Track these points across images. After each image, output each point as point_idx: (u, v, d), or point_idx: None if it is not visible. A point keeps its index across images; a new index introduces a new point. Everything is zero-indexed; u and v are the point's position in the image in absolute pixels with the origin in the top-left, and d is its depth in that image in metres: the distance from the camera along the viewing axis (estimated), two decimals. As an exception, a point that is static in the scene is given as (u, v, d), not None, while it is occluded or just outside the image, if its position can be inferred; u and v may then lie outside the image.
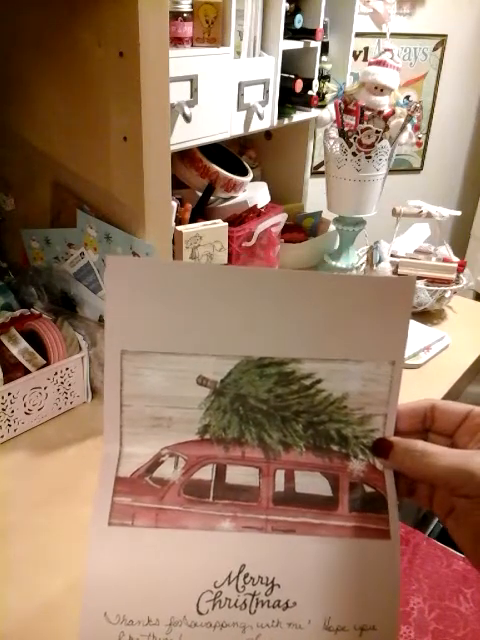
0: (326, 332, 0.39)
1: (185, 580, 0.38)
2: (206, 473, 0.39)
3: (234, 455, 0.40)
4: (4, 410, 0.84)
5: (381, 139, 1.32)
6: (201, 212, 1.29)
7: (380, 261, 1.40)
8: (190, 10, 1.04)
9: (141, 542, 0.38)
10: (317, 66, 1.38)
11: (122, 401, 0.39)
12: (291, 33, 1.29)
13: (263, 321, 0.39)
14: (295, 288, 0.38)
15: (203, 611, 0.38)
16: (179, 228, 1.13)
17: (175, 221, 1.17)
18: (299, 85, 1.32)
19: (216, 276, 0.38)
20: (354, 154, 1.33)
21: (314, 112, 1.40)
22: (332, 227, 1.56)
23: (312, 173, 1.64)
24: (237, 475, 0.39)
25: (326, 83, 1.47)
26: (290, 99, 1.35)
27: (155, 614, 0.38)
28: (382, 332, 0.39)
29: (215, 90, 1.11)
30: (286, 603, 0.38)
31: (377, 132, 1.31)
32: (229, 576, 0.38)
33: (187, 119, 1.05)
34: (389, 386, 0.40)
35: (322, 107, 1.40)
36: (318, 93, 1.39)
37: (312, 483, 0.40)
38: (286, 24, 1.23)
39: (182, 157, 1.25)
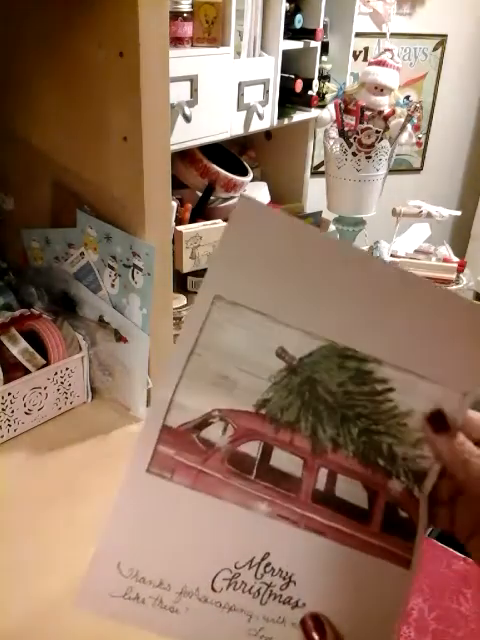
0: (416, 343, 0.37)
1: (208, 552, 0.37)
2: (253, 449, 0.38)
3: (282, 439, 0.38)
4: (4, 410, 0.84)
5: (381, 139, 1.32)
6: (201, 212, 1.29)
7: (380, 261, 1.40)
8: (190, 10, 1.04)
9: (175, 499, 0.37)
10: (317, 66, 1.38)
11: (194, 348, 0.37)
12: (291, 33, 1.29)
13: (360, 312, 0.37)
14: (405, 290, 0.37)
15: (217, 588, 0.37)
16: (179, 228, 1.14)
17: (175, 221, 1.17)
18: (299, 85, 1.32)
19: (337, 252, 0.36)
20: (354, 154, 1.33)
21: (314, 112, 1.40)
22: (332, 227, 1.56)
23: (312, 173, 1.64)
24: (282, 460, 0.38)
25: (326, 83, 1.47)
26: (290, 99, 1.35)
27: (169, 578, 0.37)
28: (466, 360, 0.38)
29: (215, 90, 1.11)
30: (296, 602, 0.38)
31: (377, 132, 1.31)
32: (251, 561, 0.37)
33: (187, 119, 1.05)
34: (454, 414, 0.38)
35: (322, 107, 1.40)
36: (318, 93, 1.39)
37: (352, 491, 0.39)
38: (286, 24, 1.23)
39: (182, 157, 1.25)
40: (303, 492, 0.38)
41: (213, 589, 0.37)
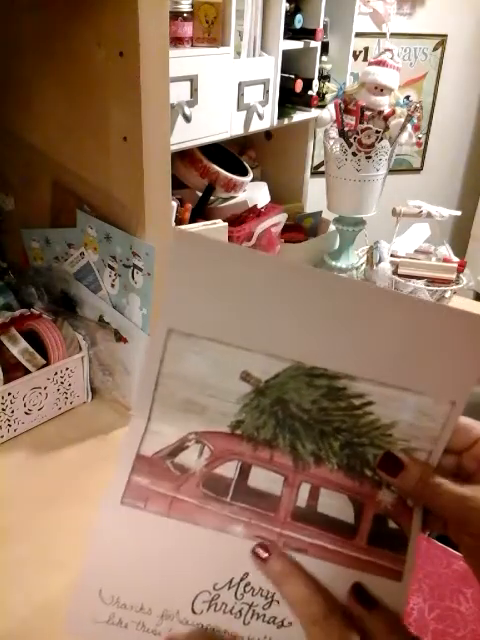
0: (390, 356, 0.36)
1: (185, 575, 0.37)
2: (229, 470, 0.38)
3: (262, 456, 0.38)
4: (4, 410, 0.84)
5: (381, 139, 1.32)
6: (201, 212, 1.29)
7: (380, 261, 1.40)
8: (190, 10, 1.04)
9: (149, 528, 0.37)
10: (317, 66, 1.38)
11: (158, 379, 0.38)
12: (291, 33, 1.29)
13: (324, 330, 0.36)
14: (369, 303, 0.36)
15: (197, 611, 0.37)
16: (179, 228, 1.13)
17: (175, 221, 1.17)
18: (299, 85, 1.32)
19: (285, 273, 0.36)
20: (354, 154, 1.33)
21: (314, 112, 1.40)
22: (332, 227, 1.56)
23: (312, 173, 1.64)
24: (261, 479, 0.38)
25: (326, 83, 1.47)
26: (290, 99, 1.35)
27: (149, 603, 0.37)
28: (450, 369, 0.36)
29: (215, 90, 1.11)
30: (282, 622, 0.37)
31: (377, 132, 1.31)
32: (230, 582, 0.37)
33: (187, 119, 1.05)
34: (443, 425, 0.37)
35: (322, 107, 1.40)
36: (318, 93, 1.39)
37: (336, 506, 0.38)
38: (286, 24, 1.23)
39: (182, 157, 1.25)
40: (282, 510, 0.38)
41: (193, 611, 0.37)
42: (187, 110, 1.04)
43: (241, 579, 0.37)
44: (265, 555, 0.37)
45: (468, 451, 0.38)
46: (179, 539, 0.37)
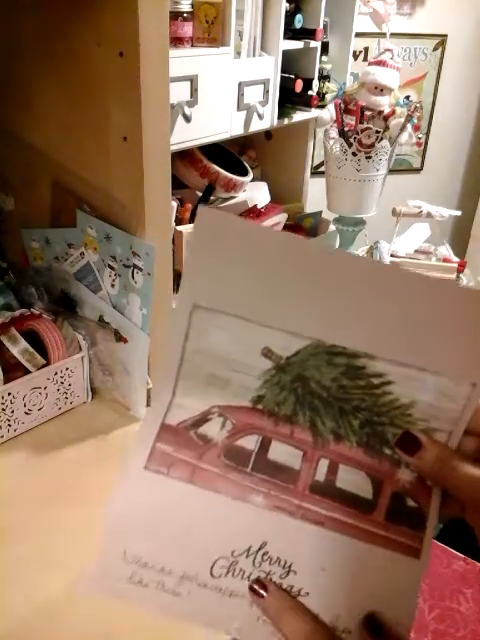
0: (410, 336, 0.36)
1: (205, 541, 0.38)
2: (250, 442, 0.39)
3: (282, 431, 0.38)
4: (4, 410, 0.84)
5: (381, 139, 1.32)
6: (201, 212, 1.29)
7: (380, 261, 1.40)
8: (190, 10, 1.04)
9: (172, 493, 0.38)
10: (317, 66, 1.38)
11: (183, 355, 0.38)
12: (291, 33, 1.29)
13: (343, 309, 0.36)
14: (391, 283, 0.36)
15: (216, 574, 0.38)
16: (179, 228, 1.14)
17: (175, 221, 1.17)
18: (299, 85, 1.32)
19: (307, 252, 0.36)
20: (354, 154, 1.33)
21: (314, 112, 1.40)
22: (332, 227, 1.56)
23: (312, 173, 1.64)
24: (280, 452, 0.38)
25: (326, 83, 1.47)
26: (290, 99, 1.35)
27: (169, 565, 0.38)
28: (470, 350, 0.36)
29: (215, 90, 1.11)
30: (299, 591, 0.38)
31: (377, 132, 1.31)
32: (248, 549, 0.38)
33: (187, 119, 1.05)
34: (463, 406, 0.37)
35: (322, 107, 1.40)
36: (318, 93, 1.39)
37: (354, 481, 0.38)
38: (286, 24, 1.23)
39: (182, 157, 1.25)
40: (301, 483, 0.38)
41: (212, 575, 0.38)
42: (187, 110, 1.04)
43: (259, 548, 0.38)
44: (262, 592, 0.37)
45: None
46: (200, 505, 0.38)
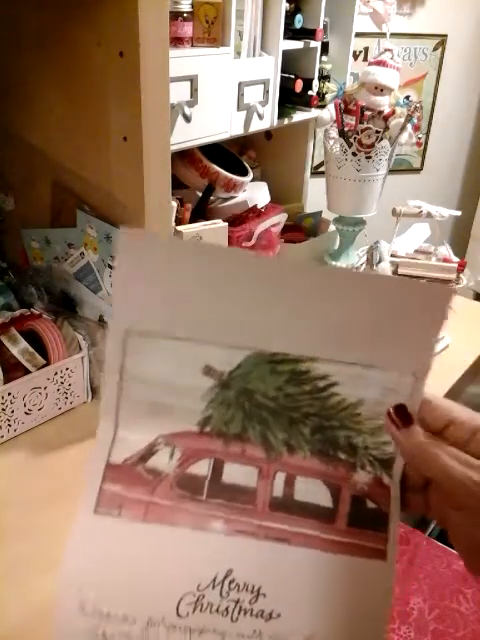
0: (349, 333, 0.36)
1: (167, 579, 0.36)
2: (202, 468, 0.37)
3: (234, 451, 0.37)
4: (4, 410, 0.84)
5: (381, 139, 1.32)
6: (201, 212, 1.29)
7: (380, 261, 1.40)
8: (190, 10, 1.04)
9: (126, 535, 0.37)
10: (317, 66, 1.38)
11: (121, 383, 0.37)
12: (291, 33, 1.29)
13: (281, 315, 0.36)
14: (322, 284, 0.35)
15: (183, 614, 0.36)
16: (179, 228, 1.13)
17: (175, 221, 1.17)
18: (299, 85, 1.32)
19: (235, 262, 0.35)
20: (354, 154, 1.33)
21: (314, 112, 1.40)
22: (332, 227, 1.56)
23: (312, 173, 1.64)
24: (235, 474, 0.37)
25: (326, 83, 1.47)
26: (290, 99, 1.35)
27: (133, 611, 0.36)
28: (409, 341, 0.36)
29: (215, 90, 1.11)
30: (270, 614, 0.36)
31: (377, 132, 1.31)
32: (214, 580, 0.36)
33: (187, 119, 1.05)
34: (409, 398, 0.37)
35: (322, 107, 1.40)
36: (318, 93, 1.39)
37: (312, 491, 0.37)
38: (286, 24, 1.23)
39: (182, 157, 1.25)
40: (260, 502, 0.37)
41: (178, 615, 0.36)
42: (187, 110, 1.04)
43: (225, 576, 0.37)
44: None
45: (446, 431, 0.37)
46: (158, 543, 0.37)
